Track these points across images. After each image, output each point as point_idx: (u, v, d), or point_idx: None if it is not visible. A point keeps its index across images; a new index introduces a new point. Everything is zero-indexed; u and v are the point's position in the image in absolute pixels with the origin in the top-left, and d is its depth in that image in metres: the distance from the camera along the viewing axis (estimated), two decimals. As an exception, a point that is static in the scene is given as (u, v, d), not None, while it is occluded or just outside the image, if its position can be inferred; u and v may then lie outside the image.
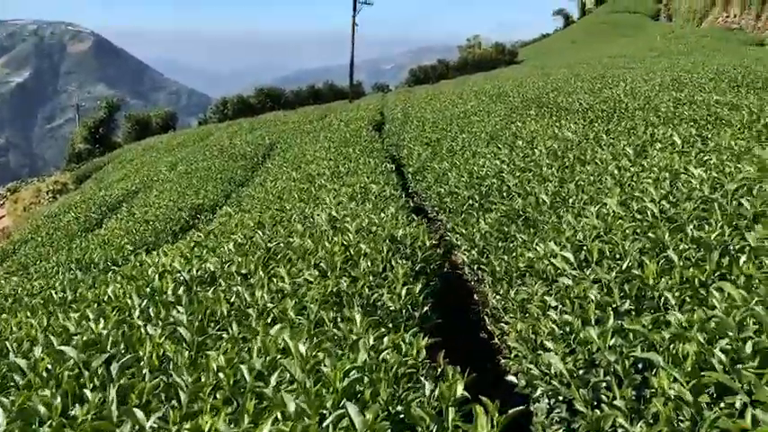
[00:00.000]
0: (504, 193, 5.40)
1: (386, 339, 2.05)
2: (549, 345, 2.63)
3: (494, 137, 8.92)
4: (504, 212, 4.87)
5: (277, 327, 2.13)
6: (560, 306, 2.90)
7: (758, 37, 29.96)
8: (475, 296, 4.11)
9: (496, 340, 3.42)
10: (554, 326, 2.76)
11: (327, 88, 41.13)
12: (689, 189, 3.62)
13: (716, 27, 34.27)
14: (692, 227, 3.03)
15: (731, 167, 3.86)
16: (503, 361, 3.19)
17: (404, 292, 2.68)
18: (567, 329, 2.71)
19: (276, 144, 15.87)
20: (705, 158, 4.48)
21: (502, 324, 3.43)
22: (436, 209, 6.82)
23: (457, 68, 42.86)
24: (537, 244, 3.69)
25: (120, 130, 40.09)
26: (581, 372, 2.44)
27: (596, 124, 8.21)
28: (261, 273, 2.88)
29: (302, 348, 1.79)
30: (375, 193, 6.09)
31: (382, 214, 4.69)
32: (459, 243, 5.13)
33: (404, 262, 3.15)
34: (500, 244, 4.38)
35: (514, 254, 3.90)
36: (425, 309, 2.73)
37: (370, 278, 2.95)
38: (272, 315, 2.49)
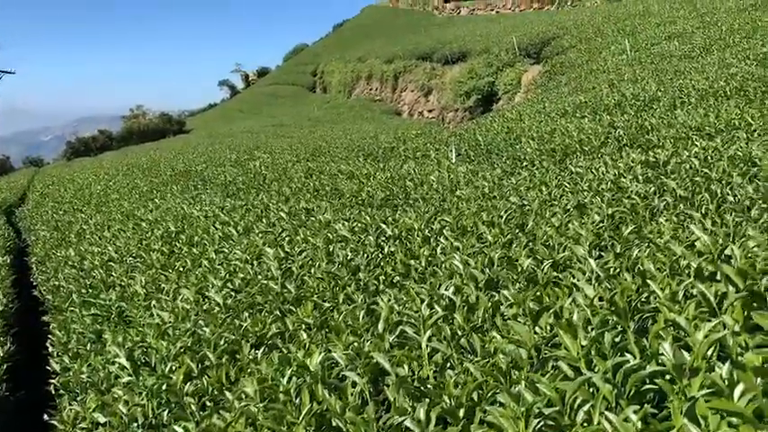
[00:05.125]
0: (109, 285, 5.01)
1: None
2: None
3: (129, 216, 8.44)
4: (99, 308, 4.48)
5: None
6: (108, 423, 2.65)
7: (395, 108, 34.50)
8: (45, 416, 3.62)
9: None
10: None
11: (-38, 165, 35.59)
12: (263, 270, 3.70)
13: (362, 98, 38.58)
14: (246, 315, 3.06)
15: (300, 245, 4.09)
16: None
17: None
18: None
19: None
20: (295, 235, 4.71)
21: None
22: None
23: (122, 139, 40.84)
24: (110, 346, 3.40)
25: None
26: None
27: (233, 198, 8.33)
28: None
29: None
30: (-43, 300, 5.17)
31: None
32: (53, 349, 4.56)
33: None
34: (91, 347, 3.98)
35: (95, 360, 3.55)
36: None
37: None
38: None
